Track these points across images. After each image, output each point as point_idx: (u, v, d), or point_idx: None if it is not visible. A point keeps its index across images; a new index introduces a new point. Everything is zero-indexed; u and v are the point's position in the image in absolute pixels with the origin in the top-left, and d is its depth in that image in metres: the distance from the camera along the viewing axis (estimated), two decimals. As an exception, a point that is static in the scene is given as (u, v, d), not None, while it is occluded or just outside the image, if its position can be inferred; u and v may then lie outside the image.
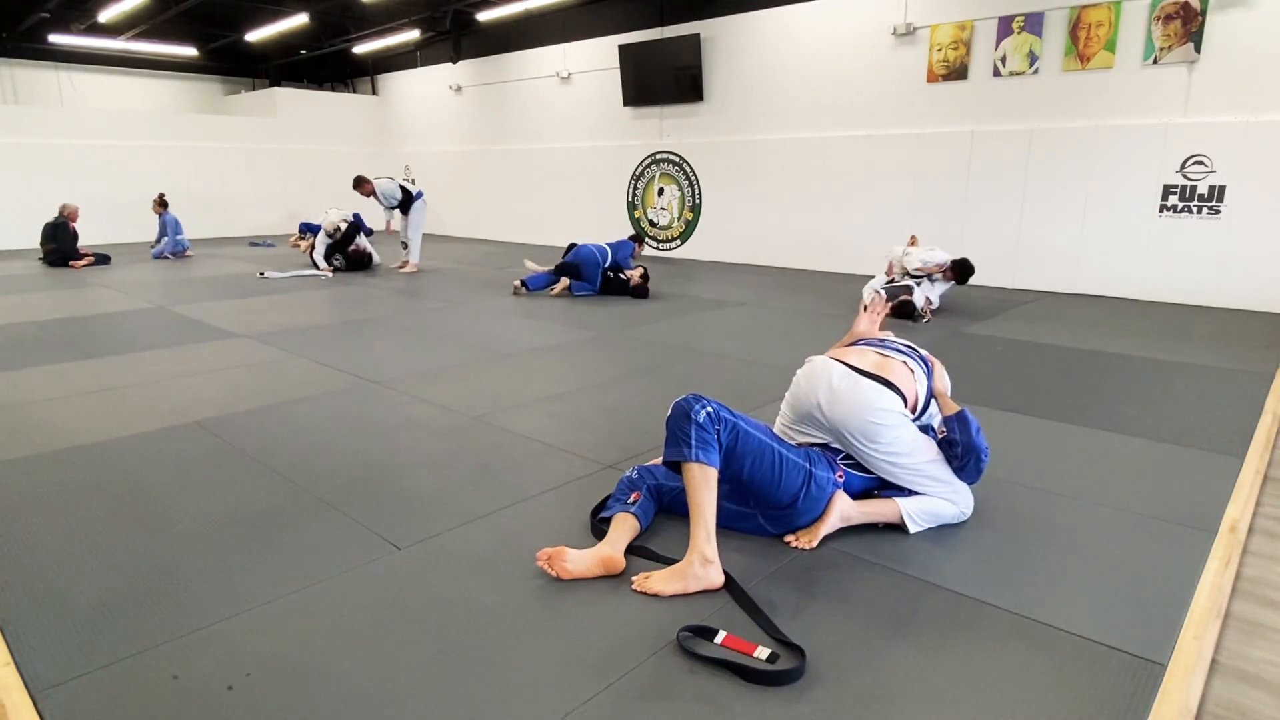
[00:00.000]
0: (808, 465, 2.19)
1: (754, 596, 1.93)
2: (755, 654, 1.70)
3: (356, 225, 8.55)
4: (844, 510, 2.24)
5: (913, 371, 2.35)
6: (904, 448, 2.25)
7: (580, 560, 2.03)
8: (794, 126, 8.60)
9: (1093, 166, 6.62)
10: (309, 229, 9.35)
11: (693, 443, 2.02)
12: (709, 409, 2.07)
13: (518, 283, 6.92)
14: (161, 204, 9.69)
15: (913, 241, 6.52)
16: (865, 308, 2.75)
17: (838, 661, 1.70)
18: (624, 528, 2.20)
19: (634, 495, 2.30)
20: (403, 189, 8.42)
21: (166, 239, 9.71)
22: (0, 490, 2.62)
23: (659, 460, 2.31)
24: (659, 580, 1.96)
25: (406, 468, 2.83)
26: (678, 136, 9.76)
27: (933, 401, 2.42)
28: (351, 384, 3.97)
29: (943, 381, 2.50)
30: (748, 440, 2.11)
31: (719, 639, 1.74)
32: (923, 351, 2.52)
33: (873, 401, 2.21)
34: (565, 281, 6.86)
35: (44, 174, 10.79)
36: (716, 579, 1.98)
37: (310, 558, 2.15)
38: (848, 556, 2.16)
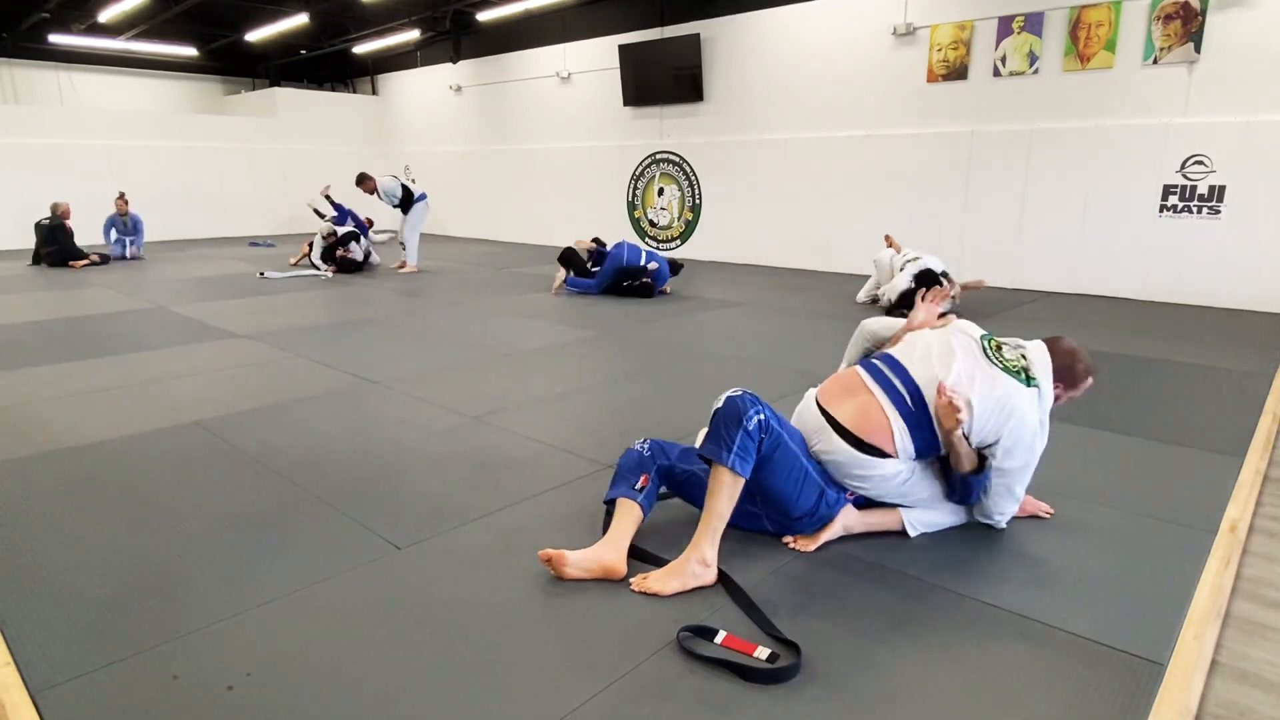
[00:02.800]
0: (823, 484, 2.15)
1: (754, 597, 1.93)
2: (755, 654, 1.69)
3: (353, 233, 8.56)
4: (847, 521, 2.23)
5: (891, 422, 2.09)
6: (900, 488, 2.20)
7: (581, 563, 2.00)
8: (794, 126, 8.60)
9: (1093, 166, 6.62)
10: (342, 213, 9.22)
11: (734, 448, 1.95)
12: (761, 417, 1.99)
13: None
14: (125, 201, 9.62)
15: (888, 241, 6.50)
16: (923, 297, 2.50)
17: (837, 661, 1.70)
18: (628, 519, 2.10)
19: (642, 478, 2.18)
20: (405, 188, 8.42)
21: (138, 236, 9.68)
22: (0, 490, 2.62)
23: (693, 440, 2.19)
24: (657, 580, 1.96)
25: (406, 468, 2.83)
26: (678, 136, 9.76)
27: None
28: (351, 384, 3.97)
29: (964, 423, 2.04)
30: (785, 454, 2.05)
31: (719, 639, 1.74)
32: (927, 386, 2.10)
33: (850, 464, 2.14)
34: (561, 276, 6.81)
35: (44, 174, 10.78)
36: (712, 579, 1.98)
37: (310, 558, 2.15)
38: (847, 557, 2.16)
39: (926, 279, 5.59)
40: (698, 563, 1.97)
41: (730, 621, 1.83)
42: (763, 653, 1.70)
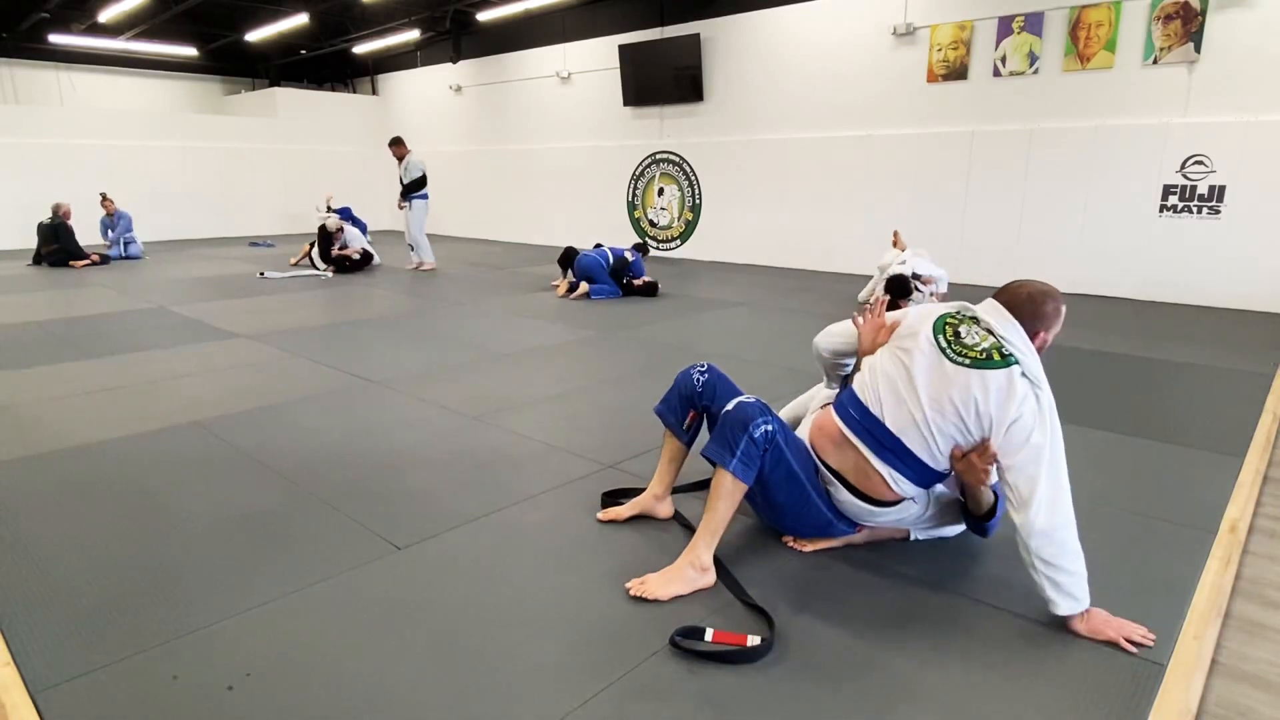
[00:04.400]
0: (830, 516, 2.10)
1: (753, 596, 1.93)
2: (747, 644, 1.71)
3: (341, 227, 8.61)
4: (852, 539, 2.22)
5: (884, 476, 1.96)
6: (921, 518, 2.14)
7: (632, 507, 2.35)
8: (794, 126, 8.60)
9: (1093, 166, 6.63)
10: (345, 212, 9.31)
11: (738, 454, 1.92)
12: (767, 428, 1.94)
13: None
14: (110, 201, 9.72)
15: (895, 239, 6.46)
16: (860, 316, 2.21)
17: (837, 661, 1.70)
18: (672, 462, 2.33)
19: (690, 415, 2.23)
20: (425, 176, 8.54)
21: (129, 234, 9.73)
22: (0, 490, 2.62)
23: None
24: (655, 584, 1.95)
25: (406, 468, 2.83)
26: (678, 136, 9.76)
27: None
28: (351, 384, 3.97)
29: (978, 474, 1.88)
30: (786, 473, 2.00)
31: (708, 636, 1.75)
32: (904, 431, 1.91)
33: (867, 515, 2.08)
34: (584, 286, 6.71)
35: (44, 174, 10.79)
36: (710, 582, 1.99)
37: (310, 558, 2.14)
38: (847, 557, 2.16)
39: (895, 286, 5.31)
40: (693, 567, 1.97)
41: (730, 622, 1.83)
42: (754, 640, 1.71)
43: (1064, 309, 1.97)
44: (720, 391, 2.19)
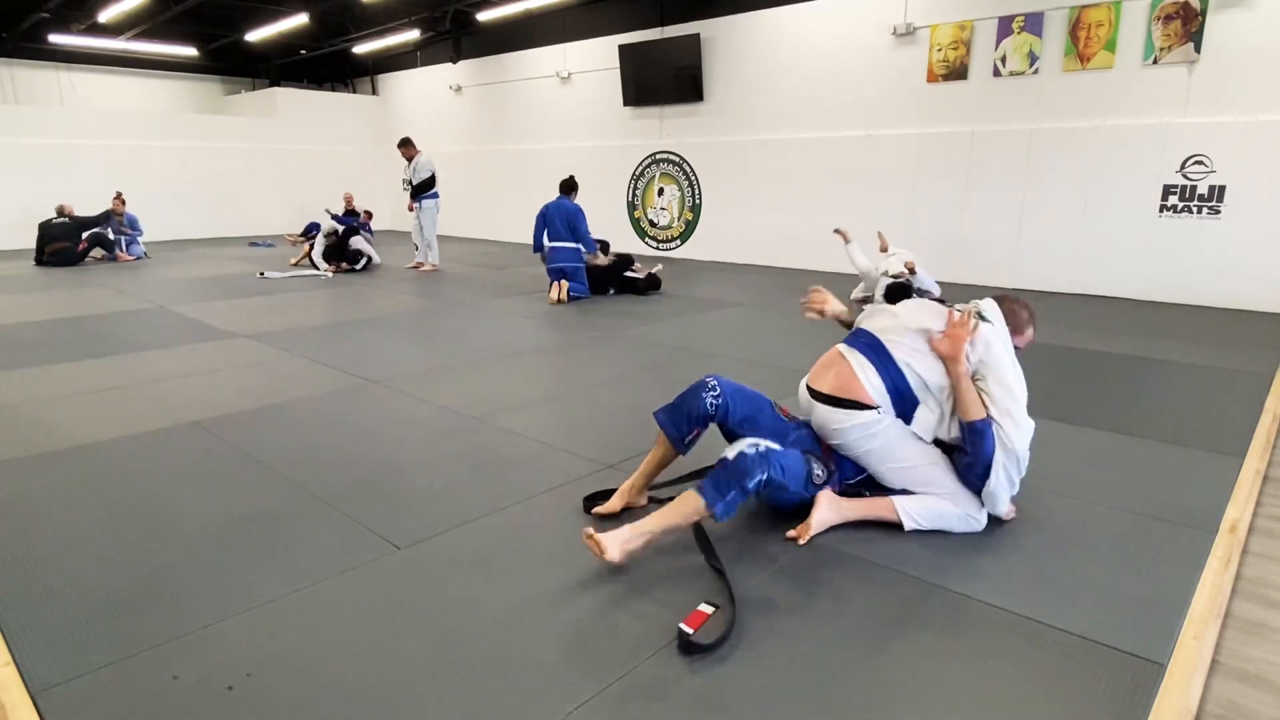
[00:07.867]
0: (812, 468, 2.24)
1: (754, 596, 1.93)
2: (707, 615, 1.81)
3: (353, 228, 8.64)
4: (840, 509, 2.27)
5: (855, 370, 2.27)
6: (891, 455, 2.27)
7: (613, 501, 2.39)
8: (794, 126, 8.60)
9: (1093, 166, 6.62)
10: (315, 228, 9.41)
11: (726, 500, 2.00)
12: (764, 476, 2.02)
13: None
14: (123, 201, 9.79)
15: (881, 245, 6.37)
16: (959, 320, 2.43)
17: (838, 661, 1.70)
18: (658, 460, 2.40)
19: (695, 431, 2.32)
20: (434, 176, 8.54)
21: (136, 233, 9.76)
22: (1, 490, 2.62)
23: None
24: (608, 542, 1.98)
25: (406, 468, 2.83)
26: (678, 136, 9.76)
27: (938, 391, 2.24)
28: (352, 384, 3.97)
29: (959, 360, 2.20)
30: (789, 478, 2.10)
31: (683, 628, 1.75)
32: (901, 336, 2.28)
33: (829, 423, 2.29)
34: (565, 285, 6.74)
35: (44, 174, 10.78)
36: (620, 552, 1.99)
37: (310, 558, 2.15)
38: (847, 556, 2.16)
39: (896, 293, 5.32)
40: (631, 530, 2.02)
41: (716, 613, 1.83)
42: (706, 607, 1.82)
43: (1033, 333, 2.53)
44: (735, 404, 2.32)
